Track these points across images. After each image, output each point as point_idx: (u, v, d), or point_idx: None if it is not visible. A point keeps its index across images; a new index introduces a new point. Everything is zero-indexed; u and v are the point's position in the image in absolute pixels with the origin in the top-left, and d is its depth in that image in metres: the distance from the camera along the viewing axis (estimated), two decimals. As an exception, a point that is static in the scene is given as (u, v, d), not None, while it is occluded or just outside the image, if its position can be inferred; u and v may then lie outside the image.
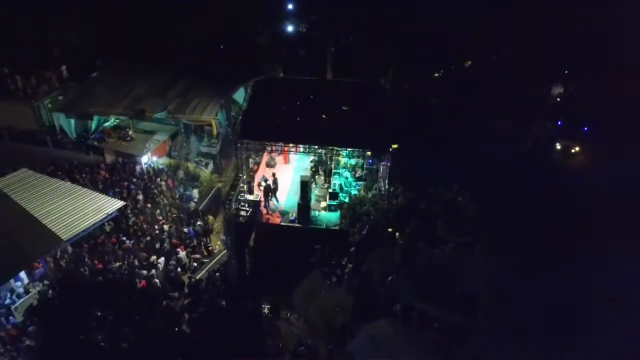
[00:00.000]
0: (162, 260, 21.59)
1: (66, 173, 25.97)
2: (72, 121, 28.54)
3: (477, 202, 18.57)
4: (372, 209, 19.22)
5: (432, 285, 18.02)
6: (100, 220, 19.75)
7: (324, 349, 18.16)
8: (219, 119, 27.49)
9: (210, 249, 23.08)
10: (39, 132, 29.20)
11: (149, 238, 22.86)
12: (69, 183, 21.97)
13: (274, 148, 23.50)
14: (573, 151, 27.47)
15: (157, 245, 22.59)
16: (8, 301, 17.87)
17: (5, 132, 29.17)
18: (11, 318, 17.49)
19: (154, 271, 20.85)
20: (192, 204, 25.24)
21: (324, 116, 20.46)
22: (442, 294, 17.82)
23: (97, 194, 21.35)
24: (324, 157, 23.00)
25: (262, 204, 21.47)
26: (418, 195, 18.81)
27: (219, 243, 23.66)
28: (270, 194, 21.52)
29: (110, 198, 21.19)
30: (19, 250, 17.12)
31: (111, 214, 20.19)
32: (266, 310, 19.73)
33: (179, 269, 21.48)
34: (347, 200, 21.53)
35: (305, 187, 20.22)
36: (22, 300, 17.78)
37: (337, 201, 21.29)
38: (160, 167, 27.65)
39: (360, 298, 19.12)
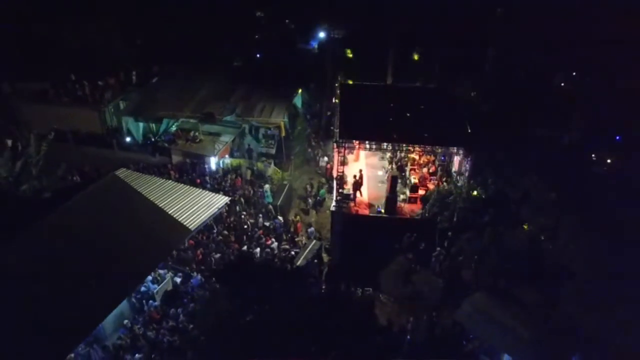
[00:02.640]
0: (257, 250, 23.46)
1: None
2: (140, 124, 29.95)
3: (556, 189, 21.33)
4: (458, 198, 21.79)
5: (515, 264, 20.67)
6: (214, 213, 21.40)
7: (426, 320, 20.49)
8: (285, 121, 29.51)
9: (295, 240, 25.04)
10: (106, 134, 30.40)
11: (238, 231, 24.71)
12: (170, 180, 23.47)
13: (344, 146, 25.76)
14: (609, 161, 26.36)
15: (244, 237, 24.47)
16: (143, 288, 19.37)
17: (70, 135, 30.24)
18: (151, 301, 19.05)
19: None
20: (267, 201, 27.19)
21: (408, 114, 23.13)
22: (525, 272, 20.48)
23: (200, 189, 22.92)
24: (397, 155, 25.48)
25: (351, 197, 23.68)
26: (502, 184, 21.41)
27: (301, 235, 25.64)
28: (358, 188, 23.77)
29: (213, 193, 22.79)
30: (159, 240, 18.65)
31: (221, 207, 21.89)
32: (363, 292, 22.00)
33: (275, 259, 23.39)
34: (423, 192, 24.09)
35: (394, 181, 22.59)
36: (160, 286, 19.31)
37: (417, 193, 23.75)
38: (227, 166, 29.39)
39: (450, 278, 21.67)
